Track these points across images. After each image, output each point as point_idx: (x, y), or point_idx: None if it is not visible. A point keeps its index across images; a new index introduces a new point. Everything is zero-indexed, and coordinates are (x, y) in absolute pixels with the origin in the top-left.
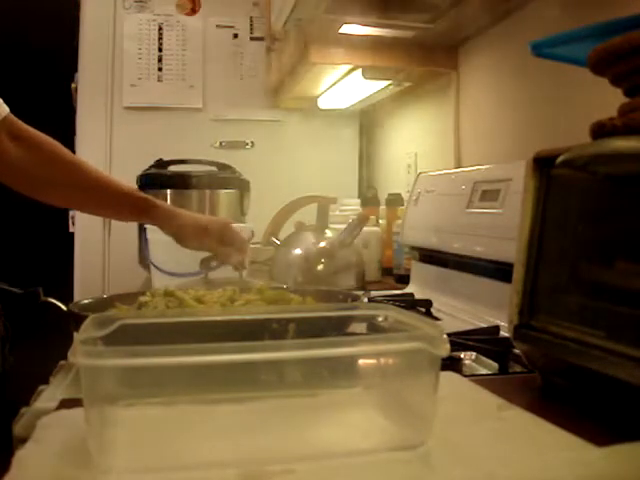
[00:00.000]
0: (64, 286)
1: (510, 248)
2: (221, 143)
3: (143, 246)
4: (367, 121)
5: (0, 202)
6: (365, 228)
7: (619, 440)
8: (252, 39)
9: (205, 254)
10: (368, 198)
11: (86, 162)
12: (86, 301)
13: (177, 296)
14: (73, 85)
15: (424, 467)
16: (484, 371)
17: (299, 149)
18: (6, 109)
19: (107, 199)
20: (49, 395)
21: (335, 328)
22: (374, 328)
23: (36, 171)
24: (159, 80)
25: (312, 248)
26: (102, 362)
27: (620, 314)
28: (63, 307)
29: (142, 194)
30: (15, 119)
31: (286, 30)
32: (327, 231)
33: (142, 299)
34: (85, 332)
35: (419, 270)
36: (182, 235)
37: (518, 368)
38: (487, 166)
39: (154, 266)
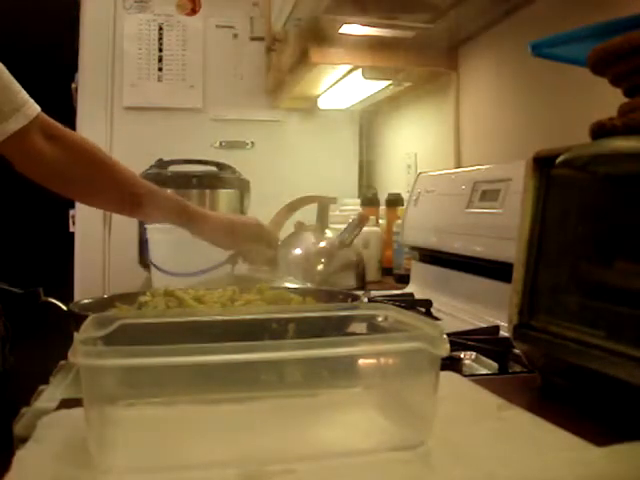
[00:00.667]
0: (64, 286)
1: (510, 248)
2: (221, 143)
3: (143, 246)
4: (367, 121)
5: (0, 202)
6: (365, 228)
7: (619, 440)
8: (252, 39)
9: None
10: (368, 198)
11: (119, 162)
12: (86, 301)
13: (177, 296)
14: (73, 85)
15: (424, 467)
16: (484, 371)
17: (299, 149)
18: (37, 108)
19: (140, 200)
20: (49, 395)
21: (335, 328)
22: (374, 328)
23: (72, 171)
24: (159, 80)
25: (312, 248)
26: (102, 362)
27: (620, 314)
28: (63, 307)
29: (174, 196)
30: (48, 118)
31: (286, 30)
32: (327, 231)
33: (142, 299)
34: (85, 332)
35: (419, 270)
36: (215, 236)
37: (518, 368)
38: (487, 166)
39: (154, 266)
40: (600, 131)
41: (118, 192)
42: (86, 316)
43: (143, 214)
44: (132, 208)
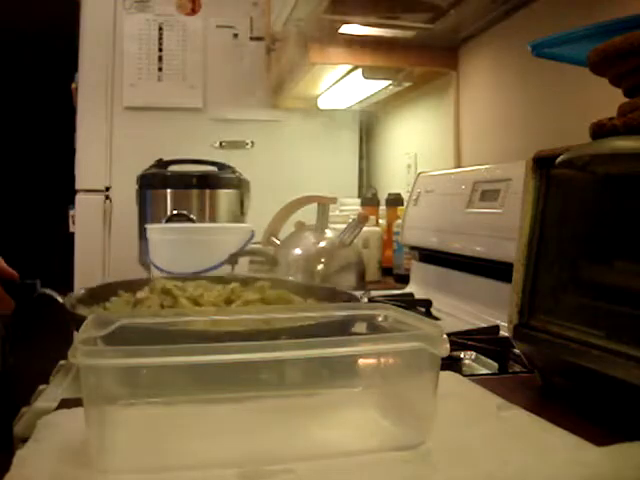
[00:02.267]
0: (64, 286)
1: (510, 248)
2: (221, 143)
3: (143, 246)
4: (367, 121)
5: (1, 203)
6: (365, 228)
7: (619, 440)
8: (252, 39)
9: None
10: (368, 198)
11: None
12: (82, 292)
13: (173, 294)
14: (73, 85)
15: (424, 467)
16: (484, 371)
17: (299, 149)
18: None
19: None
20: (49, 395)
21: (335, 329)
22: (374, 328)
23: None
24: (159, 80)
25: (312, 248)
26: (102, 362)
27: (620, 314)
28: (59, 299)
29: None
30: None
31: (286, 30)
32: (327, 231)
33: (139, 295)
34: (85, 332)
35: (419, 270)
36: None
37: (518, 368)
38: (487, 166)
39: (154, 266)
40: (600, 131)
41: None
42: (86, 317)
43: None
44: None
